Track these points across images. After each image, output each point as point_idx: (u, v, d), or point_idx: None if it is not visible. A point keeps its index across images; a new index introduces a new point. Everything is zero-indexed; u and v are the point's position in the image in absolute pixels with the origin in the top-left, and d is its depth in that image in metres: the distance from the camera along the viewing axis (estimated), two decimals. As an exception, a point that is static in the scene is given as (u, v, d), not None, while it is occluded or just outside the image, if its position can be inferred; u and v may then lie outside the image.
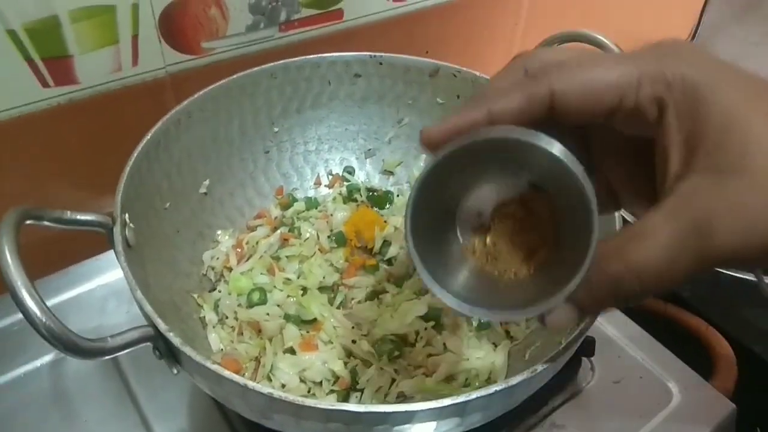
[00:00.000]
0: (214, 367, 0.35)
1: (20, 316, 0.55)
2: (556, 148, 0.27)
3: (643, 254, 0.26)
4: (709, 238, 0.25)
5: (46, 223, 0.40)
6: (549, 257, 0.32)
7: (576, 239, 0.28)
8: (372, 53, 0.59)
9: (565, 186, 0.28)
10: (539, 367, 0.36)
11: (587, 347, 0.52)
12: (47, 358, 0.54)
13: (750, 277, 0.67)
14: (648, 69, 0.27)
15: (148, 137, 0.49)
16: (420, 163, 0.65)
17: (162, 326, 0.37)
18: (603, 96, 0.27)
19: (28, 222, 0.38)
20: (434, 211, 0.32)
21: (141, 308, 0.38)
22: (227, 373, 0.35)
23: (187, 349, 0.36)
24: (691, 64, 0.27)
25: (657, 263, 0.26)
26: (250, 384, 0.34)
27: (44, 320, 0.33)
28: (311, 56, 0.59)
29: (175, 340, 0.36)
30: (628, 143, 0.30)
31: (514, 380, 0.35)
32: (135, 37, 0.57)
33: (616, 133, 0.29)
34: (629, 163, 0.31)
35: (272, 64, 0.57)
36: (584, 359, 0.54)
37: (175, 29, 0.59)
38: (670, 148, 0.27)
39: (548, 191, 0.31)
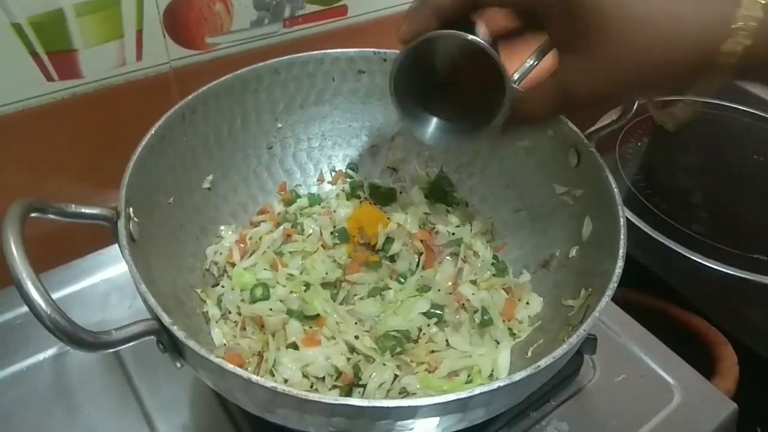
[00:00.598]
0: (218, 360, 0.35)
1: (23, 309, 0.56)
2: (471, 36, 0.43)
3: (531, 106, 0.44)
4: (570, 94, 0.41)
5: (50, 216, 0.40)
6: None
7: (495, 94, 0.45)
8: (376, 50, 0.59)
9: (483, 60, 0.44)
10: (542, 363, 0.36)
11: (589, 345, 0.52)
12: (50, 352, 0.55)
13: (753, 277, 0.67)
14: None
15: (153, 132, 0.49)
16: (423, 160, 0.65)
17: (166, 319, 0.37)
18: None
19: (33, 215, 0.38)
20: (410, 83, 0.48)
21: (145, 301, 0.38)
22: (231, 367, 0.35)
23: (191, 343, 0.36)
24: None
25: (538, 105, 0.44)
26: (254, 378, 0.34)
27: (49, 313, 0.33)
28: (315, 52, 0.59)
29: (179, 334, 0.36)
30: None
31: (517, 376, 0.35)
32: (139, 32, 0.58)
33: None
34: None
35: (276, 59, 0.57)
36: (586, 357, 0.55)
37: (179, 24, 0.59)
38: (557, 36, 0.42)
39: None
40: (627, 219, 0.45)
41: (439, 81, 0.51)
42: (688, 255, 0.70)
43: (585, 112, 0.43)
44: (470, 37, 0.43)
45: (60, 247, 0.58)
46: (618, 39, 0.37)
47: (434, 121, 0.52)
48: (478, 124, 0.49)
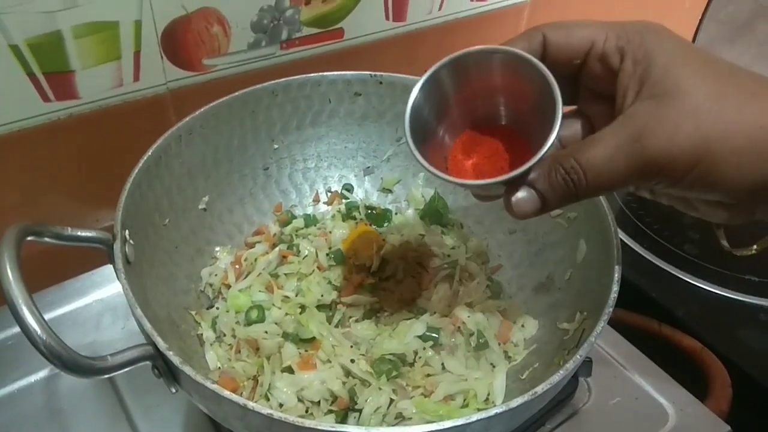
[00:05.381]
0: (214, 387, 0.35)
1: (14, 330, 0.55)
2: (525, 53, 0.36)
3: (590, 152, 0.35)
4: (640, 142, 0.33)
5: (46, 239, 0.39)
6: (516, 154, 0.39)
7: (541, 128, 0.35)
8: (372, 72, 0.60)
9: (536, 83, 0.36)
10: (539, 390, 0.36)
11: (585, 368, 0.52)
12: (41, 374, 0.54)
13: (745, 298, 0.67)
14: (614, 28, 0.36)
15: (150, 153, 0.49)
16: (418, 182, 0.65)
17: (162, 345, 0.36)
18: (579, 41, 0.37)
19: (29, 238, 0.37)
20: (428, 114, 0.40)
21: (140, 326, 0.38)
22: (227, 393, 0.34)
23: (186, 369, 0.36)
24: (646, 29, 0.36)
25: (598, 161, 0.34)
26: (250, 404, 0.34)
27: (45, 338, 0.33)
28: (312, 74, 0.59)
29: (175, 359, 0.36)
30: (603, 91, 0.38)
31: (514, 403, 0.35)
32: (137, 53, 0.58)
33: (595, 84, 0.39)
34: (604, 106, 0.38)
35: (273, 81, 0.58)
36: (581, 380, 0.55)
37: (177, 46, 0.60)
38: (626, 85, 0.35)
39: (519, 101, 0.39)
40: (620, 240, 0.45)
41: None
42: (680, 276, 0.70)
43: (647, 180, 0.35)
44: (526, 53, 0.36)
45: (51, 266, 0.58)
46: (705, 88, 0.33)
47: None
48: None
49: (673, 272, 0.71)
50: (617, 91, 0.36)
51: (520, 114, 0.40)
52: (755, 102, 0.33)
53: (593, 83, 0.38)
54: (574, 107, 0.41)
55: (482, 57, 0.38)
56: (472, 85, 0.39)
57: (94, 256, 0.43)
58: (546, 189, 0.36)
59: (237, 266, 0.57)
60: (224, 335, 0.52)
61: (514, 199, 0.37)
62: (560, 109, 0.35)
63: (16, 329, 0.53)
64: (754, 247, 0.37)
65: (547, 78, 0.35)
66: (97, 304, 0.60)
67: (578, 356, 0.38)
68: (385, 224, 0.63)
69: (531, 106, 0.38)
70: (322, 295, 0.54)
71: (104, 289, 0.61)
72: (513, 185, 0.37)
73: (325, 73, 0.59)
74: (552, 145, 0.34)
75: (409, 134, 0.38)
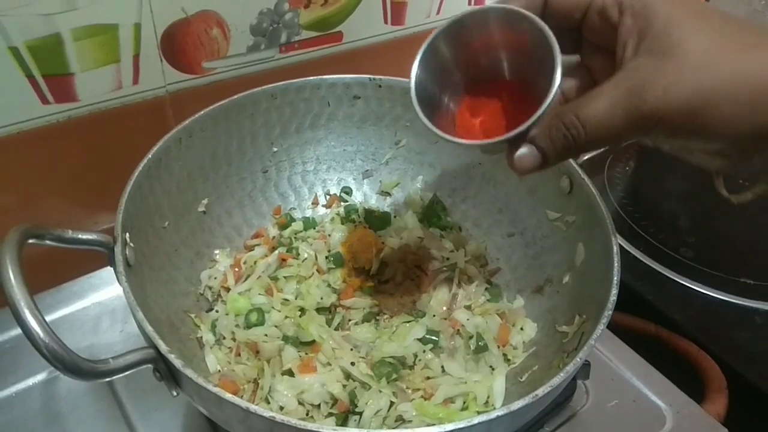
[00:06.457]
0: (216, 390, 0.35)
1: (12, 333, 0.55)
2: (521, 8, 0.36)
3: (590, 107, 0.35)
4: (639, 97, 0.34)
5: (48, 242, 0.39)
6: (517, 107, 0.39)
7: (543, 82, 0.35)
8: (371, 76, 0.60)
9: (535, 38, 0.36)
10: (540, 392, 0.36)
11: (583, 370, 0.52)
12: (40, 377, 0.54)
13: (741, 301, 0.68)
14: None
15: (150, 155, 0.49)
16: (417, 185, 0.65)
17: (163, 348, 0.36)
18: None
19: (30, 241, 0.37)
20: (432, 84, 0.40)
21: (142, 329, 0.38)
22: (229, 396, 0.34)
23: (188, 371, 0.36)
24: None
25: (598, 115, 0.35)
26: (252, 407, 0.34)
27: (47, 341, 0.33)
28: (311, 78, 0.59)
29: (176, 362, 0.36)
30: (605, 44, 0.38)
31: (515, 405, 0.35)
32: (136, 56, 0.58)
33: (596, 38, 0.39)
34: (605, 58, 0.38)
35: (272, 85, 0.58)
36: (579, 382, 0.55)
37: (176, 49, 0.60)
38: (625, 40, 0.36)
39: (522, 59, 0.39)
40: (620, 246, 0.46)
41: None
42: (676, 279, 0.71)
43: (646, 133, 0.35)
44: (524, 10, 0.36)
45: (48, 268, 0.57)
46: (704, 42, 0.33)
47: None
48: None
49: (669, 275, 0.71)
50: (617, 44, 0.36)
51: (522, 67, 0.40)
52: (755, 53, 0.33)
53: (594, 36, 0.39)
54: (576, 57, 0.41)
55: (478, 18, 0.38)
56: (472, 47, 0.40)
57: (91, 258, 0.43)
58: (546, 144, 0.37)
59: (236, 269, 0.57)
60: (224, 338, 0.52)
61: (516, 155, 0.37)
62: (559, 66, 0.35)
63: (15, 332, 0.54)
64: (750, 193, 0.39)
65: (546, 34, 0.35)
66: (96, 306, 0.60)
67: (578, 359, 0.38)
68: (384, 227, 0.63)
69: (532, 59, 0.38)
70: (321, 298, 0.54)
71: (102, 291, 0.61)
72: (515, 141, 0.37)
73: (324, 77, 0.60)
74: (551, 103, 0.35)
75: (417, 106, 0.38)
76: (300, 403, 0.46)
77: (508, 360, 0.52)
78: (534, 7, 0.38)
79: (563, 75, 0.35)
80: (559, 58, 0.35)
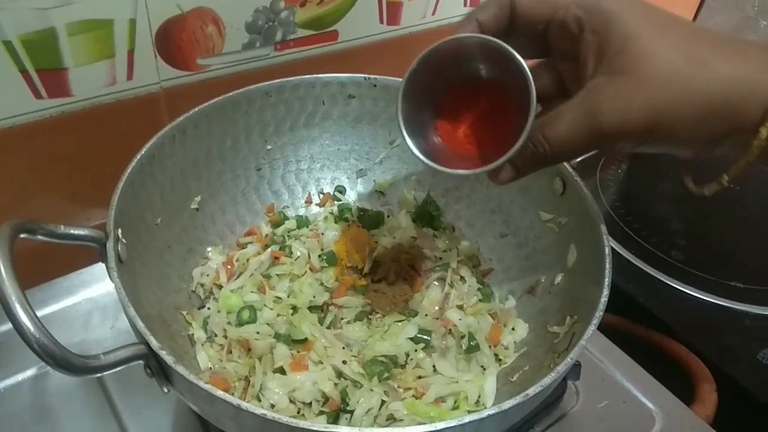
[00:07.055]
0: (207, 387, 0.35)
1: (3, 328, 0.55)
2: (504, 45, 0.37)
3: (554, 127, 0.38)
4: (597, 119, 0.36)
5: (39, 237, 0.39)
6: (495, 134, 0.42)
7: (518, 116, 0.38)
8: (366, 75, 0.60)
9: (512, 73, 0.37)
10: (531, 392, 0.36)
11: (573, 371, 0.53)
12: (29, 373, 0.53)
13: (731, 304, 0.68)
14: None
15: (143, 152, 0.49)
16: (411, 184, 0.65)
17: (155, 344, 0.36)
18: (542, 8, 0.39)
19: (22, 236, 0.37)
20: (419, 96, 0.42)
21: (133, 325, 0.38)
22: (221, 393, 0.34)
23: (180, 368, 0.36)
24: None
25: (561, 135, 0.38)
26: (244, 404, 0.34)
27: (38, 336, 0.32)
28: (306, 76, 0.59)
29: (168, 359, 0.36)
30: (571, 53, 0.40)
31: (506, 405, 0.35)
32: (131, 52, 0.58)
33: (561, 47, 0.41)
34: (573, 64, 0.40)
35: (267, 83, 0.58)
36: (569, 383, 0.55)
37: (171, 45, 0.60)
38: (586, 57, 0.38)
39: (499, 81, 0.41)
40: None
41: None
42: (666, 281, 0.71)
43: (608, 148, 0.39)
44: (504, 45, 0.37)
45: (38, 264, 0.57)
46: (658, 61, 0.35)
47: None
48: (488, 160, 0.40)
49: (660, 278, 0.71)
50: (579, 59, 0.38)
51: (499, 79, 0.41)
52: (703, 70, 0.35)
53: (560, 45, 0.41)
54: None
55: (454, 48, 0.40)
56: (450, 74, 0.42)
57: (83, 254, 0.43)
58: (521, 164, 0.40)
59: (229, 267, 0.57)
60: (215, 335, 0.52)
61: (495, 174, 0.41)
62: (534, 100, 0.37)
63: (5, 327, 0.53)
64: (716, 183, 0.41)
65: (521, 68, 0.37)
66: (87, 302, 0.60)
67: (569, 359, 0.38)
68: (378, 226, 0.63)
69: (507, 77, 0.39)
70: (314, 297, 0.54)
71: (94, 287, 0.61)
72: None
73: (319, 75, 0.60)
74: (526, 138, 0.37)
75: (407, 137, 0.42)
76: (291, 401, 0.46)
77: (500, 360, 0.52)
78: (502, 16, 0.40)
79: (537, 100, 0.37)
80: (533, 94, 0.36)
